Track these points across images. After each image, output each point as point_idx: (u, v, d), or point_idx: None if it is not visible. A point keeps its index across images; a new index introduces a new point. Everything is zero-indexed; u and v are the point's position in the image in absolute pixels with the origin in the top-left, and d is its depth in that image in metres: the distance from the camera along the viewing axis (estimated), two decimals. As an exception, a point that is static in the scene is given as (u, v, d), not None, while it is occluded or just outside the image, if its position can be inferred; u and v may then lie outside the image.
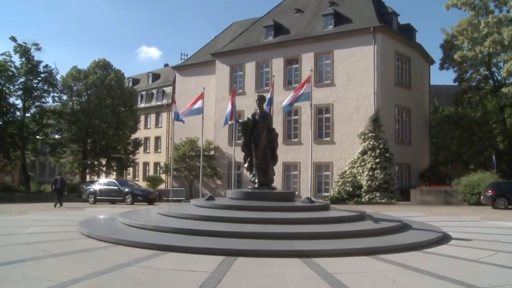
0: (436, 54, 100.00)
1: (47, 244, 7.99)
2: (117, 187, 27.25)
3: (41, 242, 8.22)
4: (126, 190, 26.87)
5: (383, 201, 27.97)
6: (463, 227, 12.18)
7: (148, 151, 54.45)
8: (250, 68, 36.22)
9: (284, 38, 35.55)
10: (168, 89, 53.59)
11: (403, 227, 10.28)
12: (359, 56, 31.37)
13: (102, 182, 29.27)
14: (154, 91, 56.08)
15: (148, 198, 26.38)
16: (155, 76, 58.69)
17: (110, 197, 26.89)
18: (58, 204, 22.45)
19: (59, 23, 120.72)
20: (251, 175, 12.58)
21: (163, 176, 45.98)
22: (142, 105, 55.02)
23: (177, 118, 30.58)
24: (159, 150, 53.45)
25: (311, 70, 28.32)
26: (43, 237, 9.08)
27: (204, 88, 31.22)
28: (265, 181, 12.23)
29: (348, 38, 31.89)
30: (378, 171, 28.87)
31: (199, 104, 29.26)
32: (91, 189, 28.18)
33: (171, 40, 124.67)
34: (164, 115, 52.91)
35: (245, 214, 9.72)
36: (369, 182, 28.89)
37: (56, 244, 8.15)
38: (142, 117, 53.66)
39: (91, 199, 27.37)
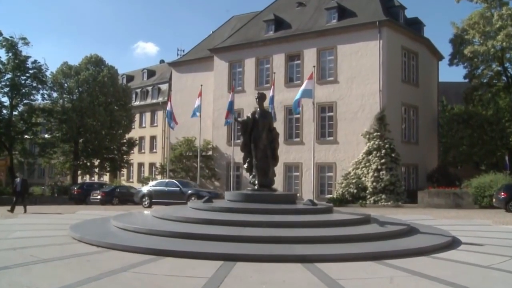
0: (445, 49, 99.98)
1: (36, 249, 7.98)
2: (178, 188, 26.03)
3: (29, 247, 8.20)
4: (190, 191, 25.64)
5: (389, 203, 27.97)
6: (474, 231, 12.17)
7: (143, 151, 54.46)
8: (249, 65, 36.23)
9: (285, 33, 35.55)
10: (164, 86, 53.62)
11: (410, 231, 10.28)
12: (364, 52, 31.37)
13: (158, 183, 28.08)
14: (149, 88, 56.12)
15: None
16: (151, 73, 58.72)
17: (169, 199, 24.93)
18: (13, 209, 20.21)
19: (49, 17, 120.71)
20: (250, 176, 12.58)
21: (158, 178, 46.04)
22: (137, 103, 55.06)
23: (170, 124, 30.69)
24: (154, 150, 53.47)
25: (314, 66, 28.36)
26: (31, 241, 9.06)
27: (201, 85, 31.34)
28: (266, 183, 12.23)
29: (353, 33, 31.90)
30: (384, 172, 28.87)
31: (196, 102, 29.45)
32: (145, 191, 26.90)
33: (169, 35, 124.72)
34: (159, 114, 52.94)
35: (244, 217, 9.72)
36: (374, 184, 28.89)
37: (45, 249, 8.14)
38: (137, 116, 53.69)
39: (146, 202, 26.19)
